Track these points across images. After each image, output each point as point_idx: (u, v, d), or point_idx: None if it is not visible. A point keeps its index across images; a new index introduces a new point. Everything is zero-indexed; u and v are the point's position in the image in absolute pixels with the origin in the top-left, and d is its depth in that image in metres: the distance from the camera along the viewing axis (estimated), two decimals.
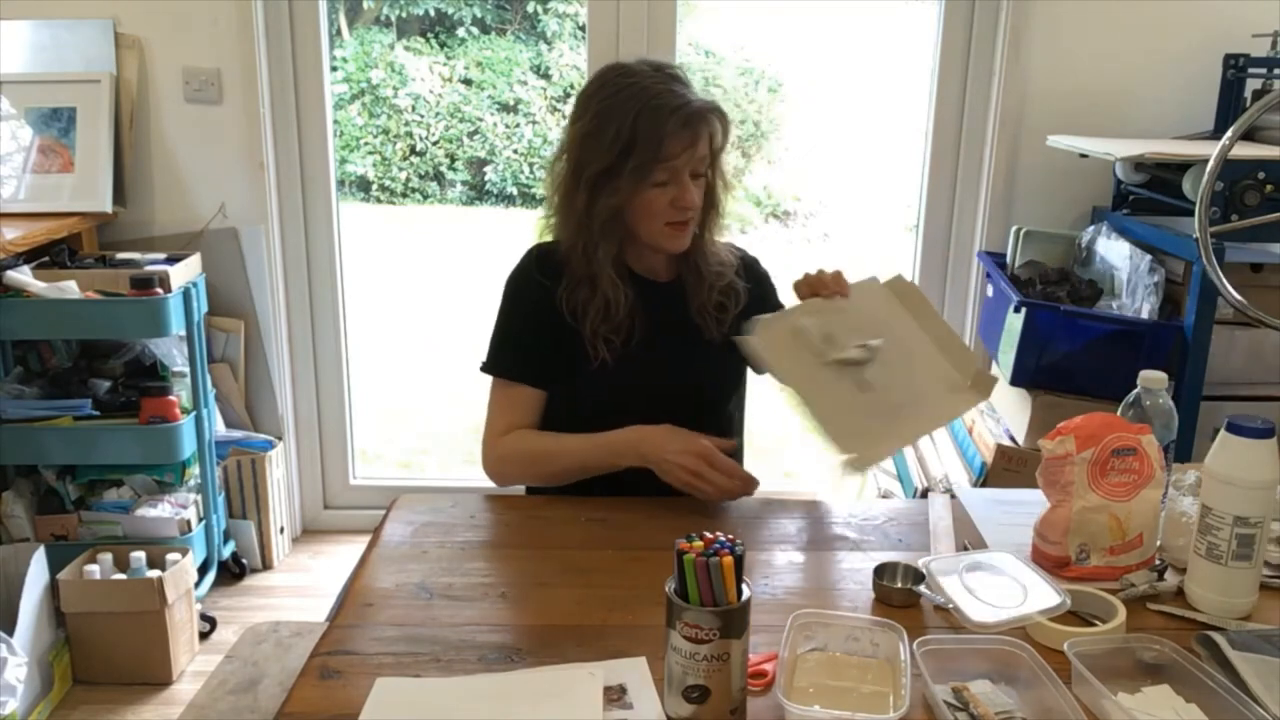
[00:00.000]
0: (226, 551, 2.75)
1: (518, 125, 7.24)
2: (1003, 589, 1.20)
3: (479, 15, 7.17)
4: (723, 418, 1.65)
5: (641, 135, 1.44)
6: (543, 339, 1.55)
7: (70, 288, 2.35)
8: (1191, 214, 1.79)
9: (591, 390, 1.55)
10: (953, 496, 1.53)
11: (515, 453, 1.56)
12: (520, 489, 1.82)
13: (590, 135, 1.48)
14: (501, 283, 1.62)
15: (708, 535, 0.99)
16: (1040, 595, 1.17)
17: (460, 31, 7.19)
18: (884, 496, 2.53)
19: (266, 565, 2.89)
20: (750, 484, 1.43)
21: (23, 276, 2.33)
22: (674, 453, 1.41)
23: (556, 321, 1.53)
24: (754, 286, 1.65)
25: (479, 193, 7.38)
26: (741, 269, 1.65)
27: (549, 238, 1.59)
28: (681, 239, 1.53)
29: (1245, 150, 2.09)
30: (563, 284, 1.53)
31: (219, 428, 2.77)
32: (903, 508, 1.53)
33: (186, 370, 2.57)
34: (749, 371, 1.68)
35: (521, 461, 1.56)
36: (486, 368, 1.61)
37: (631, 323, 1.53)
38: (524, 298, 1.57)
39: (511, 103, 7.20)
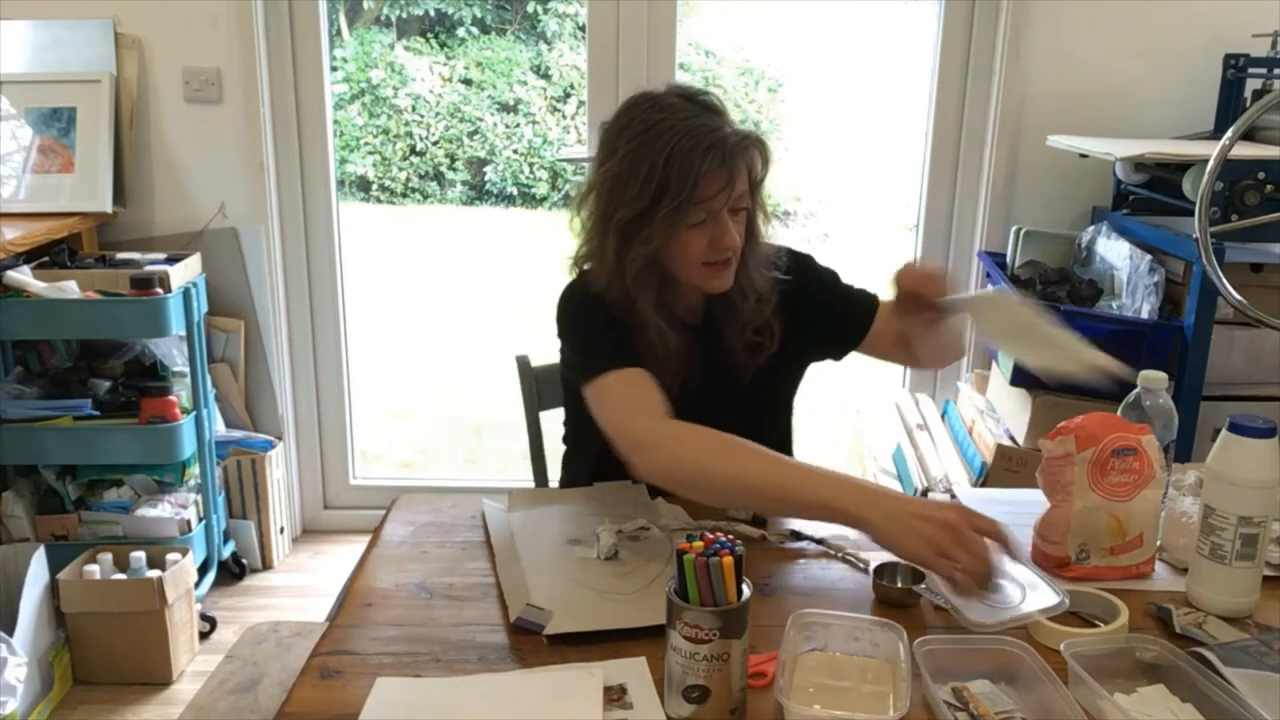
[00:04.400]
0: (226, 551, 2.75)
1: (518, 125, 7.24)
2: (1002, 589, 1.20)
3: (479, 15, 7.17)
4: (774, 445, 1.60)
5: (674, 176, 1.32)
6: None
7: (70, 288, 2.35)
8: (1191, 214, 1.79)
9: None
10: (953, 496, 1.53)
11: (694, 433, 1.29)
12: (528, 482, 1.82)
13: (619, 178, 1.36)
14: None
15: (708, 535, 0.99)
16: (1040, 595, 1.17)
17: (460, 31, 7.19)
18: None
19: (266, 565, 2.89)
20: (994, 572, 1.12)
21: (23, 276, 2.33)
22: (920, 517, 1.13)
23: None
24: (801, 291, 1.55)
25: (479, 193, 7.38)
26: (781, 299, 1.52)
27: (575, 275, 1.51)
28: (723, 279, 1.42)
29: (1245, 150, 2.09)
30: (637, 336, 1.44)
31: (219, 428, 2.77)
32: None
33: (186, 370, 2.57)
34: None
35: (700, 445, 1.27)
36: (596, 369, 1.38)
37: (683, 368, 1.44)
38: (596, 308, 1.44)
39: (511, 103, 7.20)
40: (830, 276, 1.61)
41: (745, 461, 1.25)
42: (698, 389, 1.48)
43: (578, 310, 1.48)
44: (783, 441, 1.67)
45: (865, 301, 1.60)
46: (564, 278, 1.54)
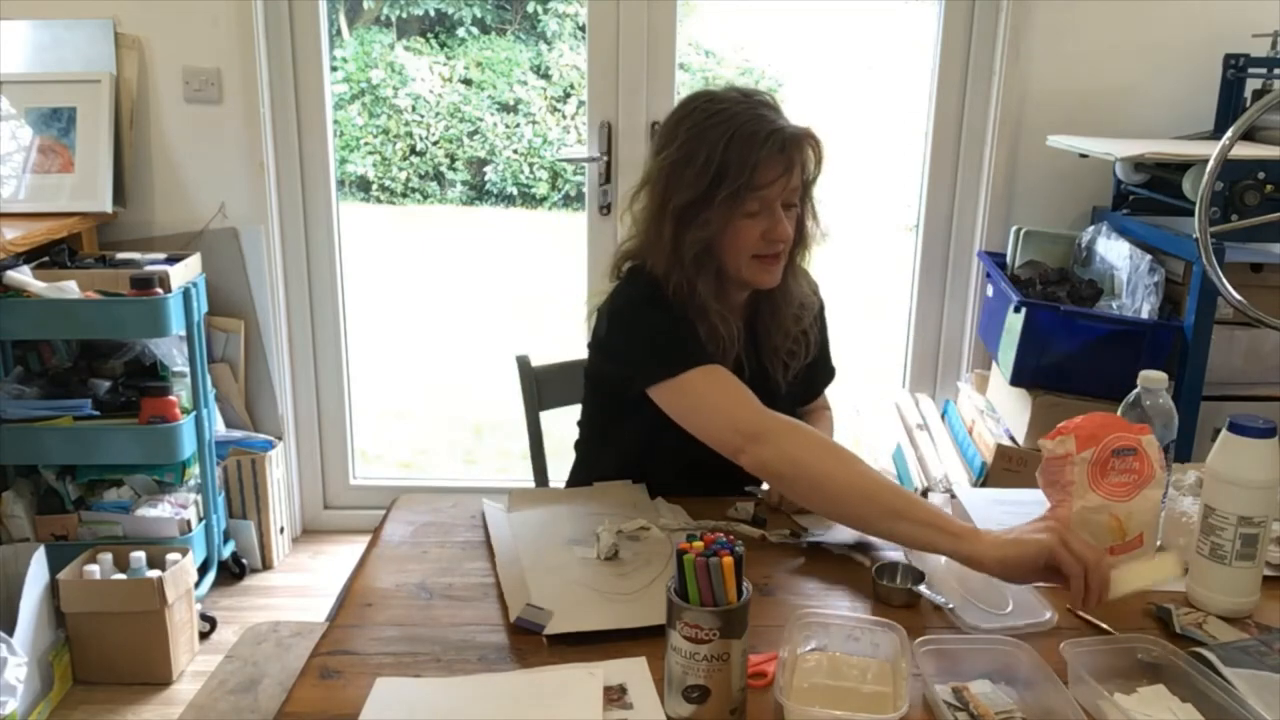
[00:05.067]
0: (226, 551, 2.75)
1: (518, 125, 7.24)
2: (991, 589, 1.21)
3: (479, 15, 7.17)
4: None
5: (733, 162, 1.36)
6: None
7: (70, 288, 2.35)
8: (1191, 214, 1.79)
9: (664, 426, 1.42)
10: (953, 496, 1.53)
11: (813, 434, 1.31)
12: (528, 482, 1.81)
13: (678, 164, 1.40)
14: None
15: (708, 535, 0.99)
16: (1025, 606, 1.19)
17: (460, 31, 7.19)
18: None
19: (266, 565, 2.89)
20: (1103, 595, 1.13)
21: (23, 276, 2.33)
22: (1027, 530, 1.16)
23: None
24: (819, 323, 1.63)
25: (479, 193, 7.38)
26: (819, 311, 1.62)
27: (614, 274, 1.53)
28: (771, 273, 1.44)
29: (1245, 150, 2.09)
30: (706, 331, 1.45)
31: (219, 428, 2.77)
32: None
33: (186, 370, 2.57)
34: None
35: (820, 448, 1.28)
36: (674, 368, 1.37)
37: (741, 359, 1.46)
38: (659, 304, 1.43)
39: (511, 103, 7.20)
40: (825, 334, 1.68)
41: (862, 472, 1.25)
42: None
43: (640, 307, 1.45)
44: None
45: (823, 380, 1.72)
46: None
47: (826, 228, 1.53)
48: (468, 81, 7.22)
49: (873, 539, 1.32)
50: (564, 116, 7.22)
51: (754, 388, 1.42)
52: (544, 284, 5.78)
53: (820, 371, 1.70)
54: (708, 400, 1.35)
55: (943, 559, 1.28)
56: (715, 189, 1.37)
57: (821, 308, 1.66)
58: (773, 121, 1.38)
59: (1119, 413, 1.34)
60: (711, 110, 1.39)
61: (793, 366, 1.55)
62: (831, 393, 1.76)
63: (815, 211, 1.50)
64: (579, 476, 1.65)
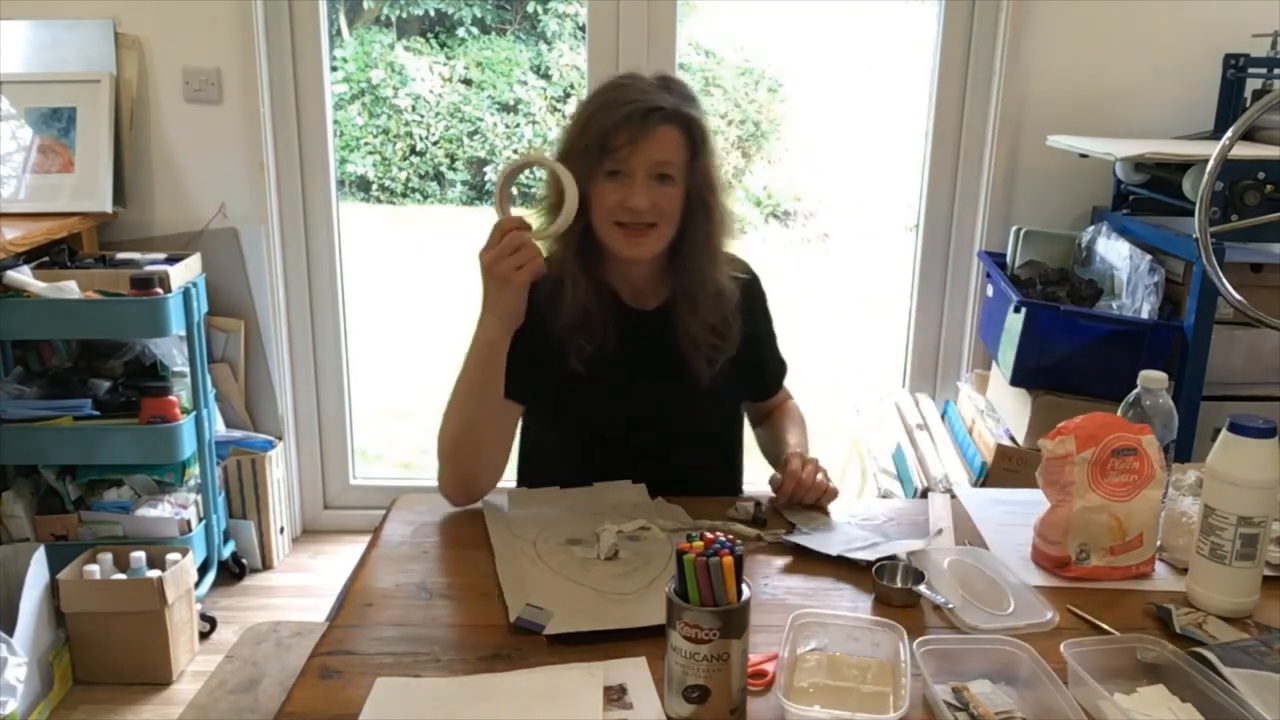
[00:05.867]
0: (226, 551, 2.75)
1: (518, 125, 7.24)
2: (991, 589, 1.21)
3: (479, 15, 7.17)
4: (717, 451, 1.64)
5: (593, 124, 1.42)
6: (523, 349, 1.45)
7: (70, 288, 2.35)
8: (1191, 214, 1.79)
9: (572, 419, 1.53)
10: (953, 496, 1.53)
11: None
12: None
13: (563, 131, 1.51)
14: None
15: (707, 535, 0.99)
16: (1025, 606, 1.18)
17: (460, 31, 7.19)
18: (884, 496, 2.53)
19: (266, 565, 2.89)
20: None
21: (23, 276, 2.33)
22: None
23: (536, 336, 1.46)
24: (747, 315, 1.56)
25: (479, 193, 7.38)
26: (742, 301, 1.54)
27: None
28: (634, 246, 1.44)
29: (1245, 150, 2.09)
30: (539, 286, 1.46)
31: (219, 428, 2.77)
32: (903, 508, 1.53)
33: (186, 370, 2.57)
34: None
35: (440, 442, 1.45)
36: None
37: (604, 331, 1.47)
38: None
39: (511, 103, 7.20)
40: (769, 326, 1.65)
41: (448, 404, 1.45)
42: (651, 375, 1.51)
43: None
44: (733, 449, 1.68)
45: (776, 374, 1.70)
46: None
47: (736, 219, 1.55)
48: (468, 81, 7.22)
49: (855, 555, 1.31)
50: (564, 116, 7.22)
51: (670, 377, 1.48)
52: None
53: (770, 366, 1.68)
54: None
55: (945, 562, 1.28)
56: (577, 142, 1.44)
57: (762, 298, 1.63)
58: (643, 92, 1.42)
59: (1119, 413, 1.34)
60: (602, 87, 1.47)
61: (716, 359, 1.51)
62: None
63: (709, 193, 1.47)
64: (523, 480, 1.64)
